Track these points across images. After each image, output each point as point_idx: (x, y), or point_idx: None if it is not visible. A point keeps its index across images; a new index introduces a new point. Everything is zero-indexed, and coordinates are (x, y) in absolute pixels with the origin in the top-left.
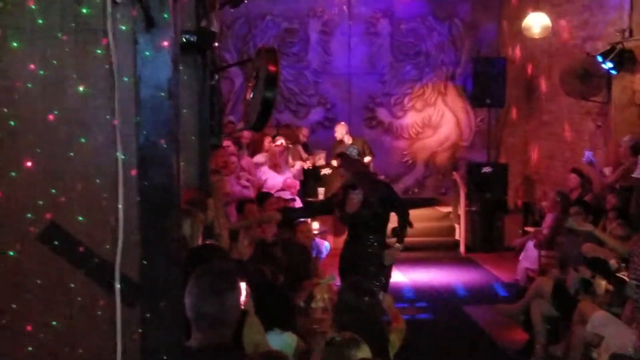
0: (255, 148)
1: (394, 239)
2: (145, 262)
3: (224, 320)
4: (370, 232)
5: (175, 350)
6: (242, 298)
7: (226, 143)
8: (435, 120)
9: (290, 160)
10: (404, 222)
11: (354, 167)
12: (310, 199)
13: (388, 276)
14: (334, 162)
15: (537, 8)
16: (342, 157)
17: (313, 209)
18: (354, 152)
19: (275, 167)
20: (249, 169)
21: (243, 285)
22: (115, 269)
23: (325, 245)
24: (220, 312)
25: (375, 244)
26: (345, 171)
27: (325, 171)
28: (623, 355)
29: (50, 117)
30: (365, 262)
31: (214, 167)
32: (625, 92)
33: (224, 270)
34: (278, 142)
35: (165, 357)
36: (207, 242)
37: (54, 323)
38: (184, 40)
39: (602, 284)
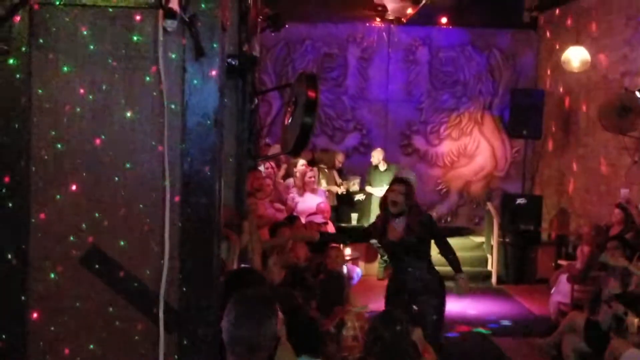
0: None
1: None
2: (184, 289)
3: (260, 346)
4: (414, 259)
5: None
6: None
7: (268, 165)
8: (471, 149)
9: (323, 183)
10: (450, 250)
11: (411, 195)
12: (343, 225)
13: (442, 303)
14: (368, 188)
15: (576, 42)
16: (407, 184)
17: (350, 235)
18: (413, 179)
19: (297, 189)
20: (285, 192)
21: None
22: (159, 296)
23: (357, 271)
24: (256, 338)
25: (421, 270)
26: (405, 199)
27: (359, 197)
28: None
29: (97, 141)
30: (415, 289)
31: (249, 189)
32: None
33: (263, 296)
34: (299, 165)
35: None
36: (244, 265)
37: (92, 347)
38: (226, 63)
39: (634, 321)
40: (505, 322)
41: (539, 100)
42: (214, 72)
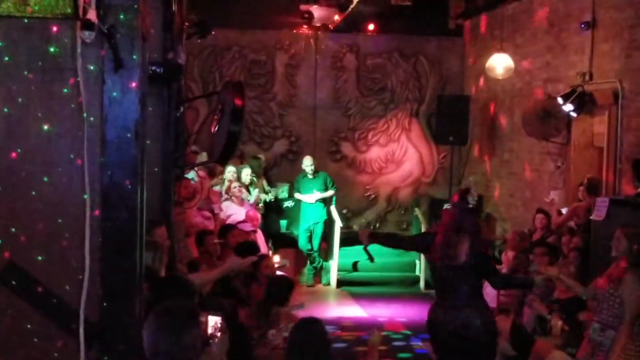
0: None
1: None
2: (105, 304)
3: (180, 358)
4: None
5: None
6: (218, 334)
7: (202, 174)
8: (399, 155)
9: (253, 192)
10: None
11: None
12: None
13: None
14: (297, 195)
15: (500, 49)
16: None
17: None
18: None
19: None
20: (215, 200)
21: (219, 320)
22: (79, 312)
23: None
24: (177, 350)
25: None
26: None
27: (288, 204)
28: None
29: (13, 155)
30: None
31: (176, 198)
32: (585, 134)
33: (183, 307)
34: (227, 172)
35: None
36: (172, 274)
37: None
38: (150, 71)
39: (558, 323)
40: None
41: (464, 106)
42: (134, 84)
